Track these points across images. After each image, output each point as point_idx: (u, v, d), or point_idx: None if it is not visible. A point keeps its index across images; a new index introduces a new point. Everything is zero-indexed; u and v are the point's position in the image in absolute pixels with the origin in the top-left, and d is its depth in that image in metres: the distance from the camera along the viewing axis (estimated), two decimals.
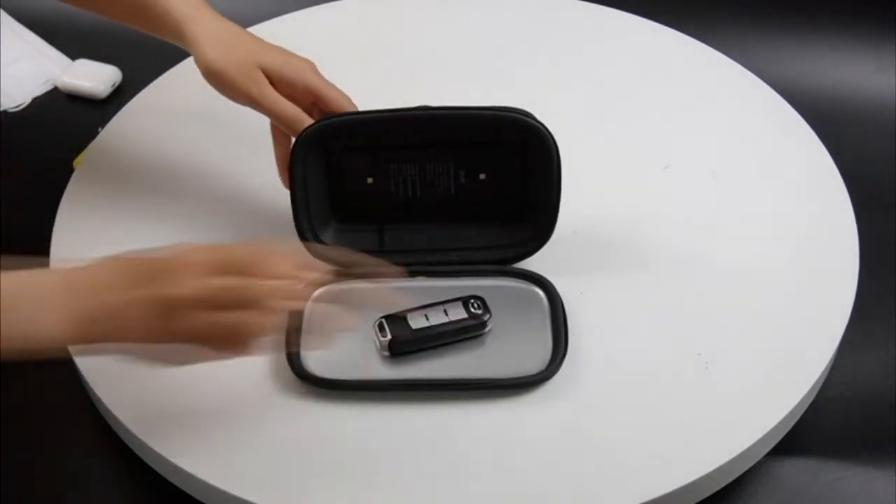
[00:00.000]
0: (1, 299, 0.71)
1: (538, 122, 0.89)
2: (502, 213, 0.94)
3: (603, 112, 1.09)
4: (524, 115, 0.89)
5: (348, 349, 0.86)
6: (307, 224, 0.91)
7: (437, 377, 0.85)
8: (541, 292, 0.91)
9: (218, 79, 0.90)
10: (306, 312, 0.84)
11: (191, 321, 0.73)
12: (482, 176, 0.93)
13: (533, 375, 0.85)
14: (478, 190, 0.93)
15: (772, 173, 1.04)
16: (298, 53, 0.91)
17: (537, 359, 0.86)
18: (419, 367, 0.86)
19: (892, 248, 1.16)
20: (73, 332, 0.73)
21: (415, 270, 0.92)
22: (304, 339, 0.84)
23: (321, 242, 0.91)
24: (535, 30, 1.20)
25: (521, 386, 0.85)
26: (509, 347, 0.88)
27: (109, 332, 0.74)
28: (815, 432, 0.97)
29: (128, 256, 0.76)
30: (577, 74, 1.14)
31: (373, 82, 1.12)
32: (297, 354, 0.85)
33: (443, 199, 0.93)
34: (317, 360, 0.85)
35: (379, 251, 0.92)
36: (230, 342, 0.75)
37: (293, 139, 0.90)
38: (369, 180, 0.92)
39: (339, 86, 0.92)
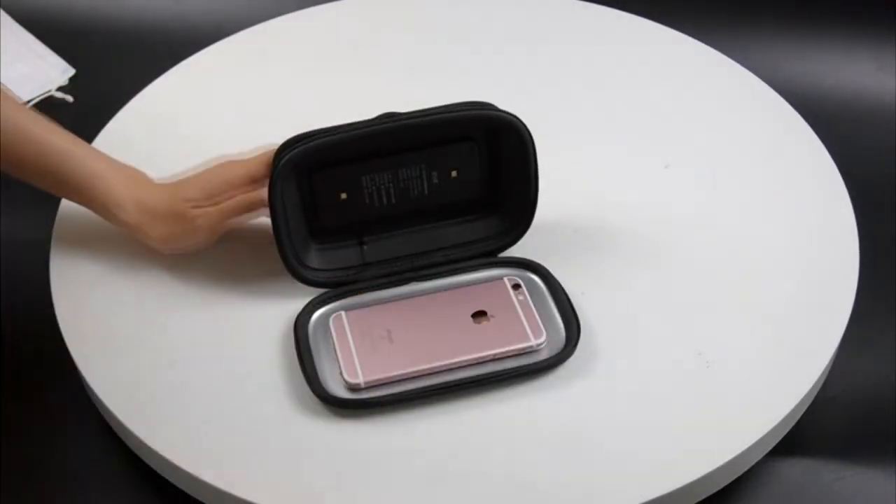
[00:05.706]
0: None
1: (502, 111, 0.88)
2: (480, 206, 0.94)
3: (603, 112, 1.09)
4: (486, 108, 0.89)
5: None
6: (291, 251, 0.89)
7: (452, 379, 0.84)
8: (535, 277, 0.92)
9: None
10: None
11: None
12: (454, 173, 0.92)
13: (554, 357, 0.85)
14: (452, 188, 0.93)
15: (772, 173, 1.04)
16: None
17: (550, 342, 0.87)
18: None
19: (892, 248, 1.16)
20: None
21: (404, 277, 0.92)
22: None
23: (306, 267, 0.91)
24: (534, 30, 1.20)
25: (538, 371, 0.85)
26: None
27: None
28: (815, 432, 0.97)
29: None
30: (576, 74, 1.14)
31: (372, 82, 1.12)
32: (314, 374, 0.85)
33: (418, 202, 0.93)
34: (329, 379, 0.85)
35: (362, 265, 0.92)
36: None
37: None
38: (343, 196, 0.91)
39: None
